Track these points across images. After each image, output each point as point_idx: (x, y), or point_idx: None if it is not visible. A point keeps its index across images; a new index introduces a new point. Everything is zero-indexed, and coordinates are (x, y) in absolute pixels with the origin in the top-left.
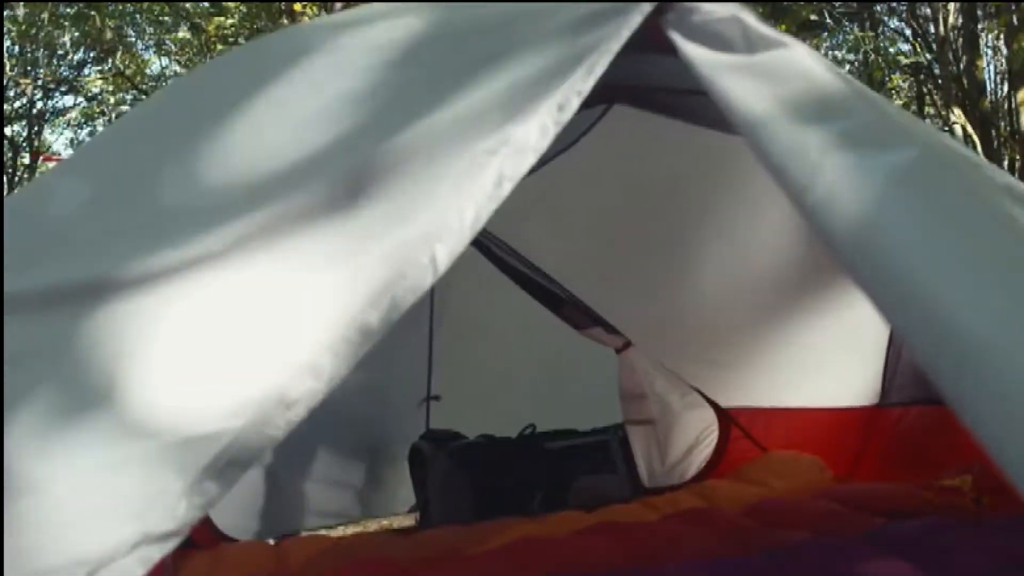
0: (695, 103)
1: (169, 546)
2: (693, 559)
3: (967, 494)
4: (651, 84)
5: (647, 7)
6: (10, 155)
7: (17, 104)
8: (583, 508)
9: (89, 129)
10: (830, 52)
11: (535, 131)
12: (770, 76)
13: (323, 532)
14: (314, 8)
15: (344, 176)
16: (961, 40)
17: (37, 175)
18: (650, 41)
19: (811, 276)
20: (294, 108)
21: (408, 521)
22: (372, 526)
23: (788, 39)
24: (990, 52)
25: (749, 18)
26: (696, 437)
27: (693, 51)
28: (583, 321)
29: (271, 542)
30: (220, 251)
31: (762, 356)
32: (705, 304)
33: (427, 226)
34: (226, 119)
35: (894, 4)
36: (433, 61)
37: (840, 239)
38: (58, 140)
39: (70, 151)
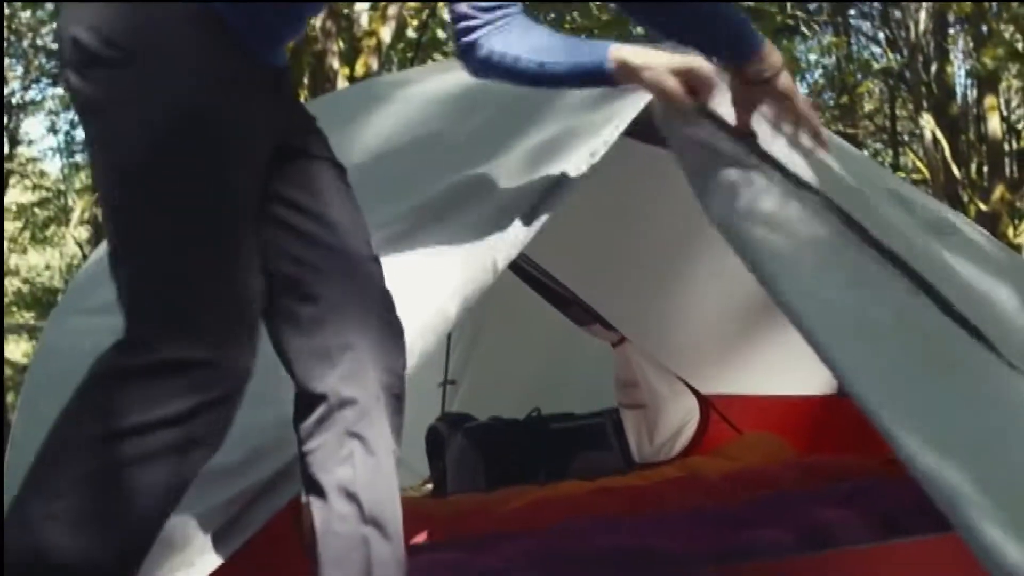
0: None
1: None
2: (681, 511)
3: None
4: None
5: None
6: None
7: None
8: (583, 479)
9: (70, 115)
10: (803, 56)
11: (572, 172)
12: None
13: None
14: None
15: (431, 201)
16: (932, 46)
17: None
18: None
19: None
20: (390, 143)
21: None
22: None
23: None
24: (961, 57)
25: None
26: (681, 420)
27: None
28: (584, 319)
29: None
30: None
31: (739, 350)
32: (691, 305)
33: (490, 242)
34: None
35: (866, 9)
36: (494, 114)
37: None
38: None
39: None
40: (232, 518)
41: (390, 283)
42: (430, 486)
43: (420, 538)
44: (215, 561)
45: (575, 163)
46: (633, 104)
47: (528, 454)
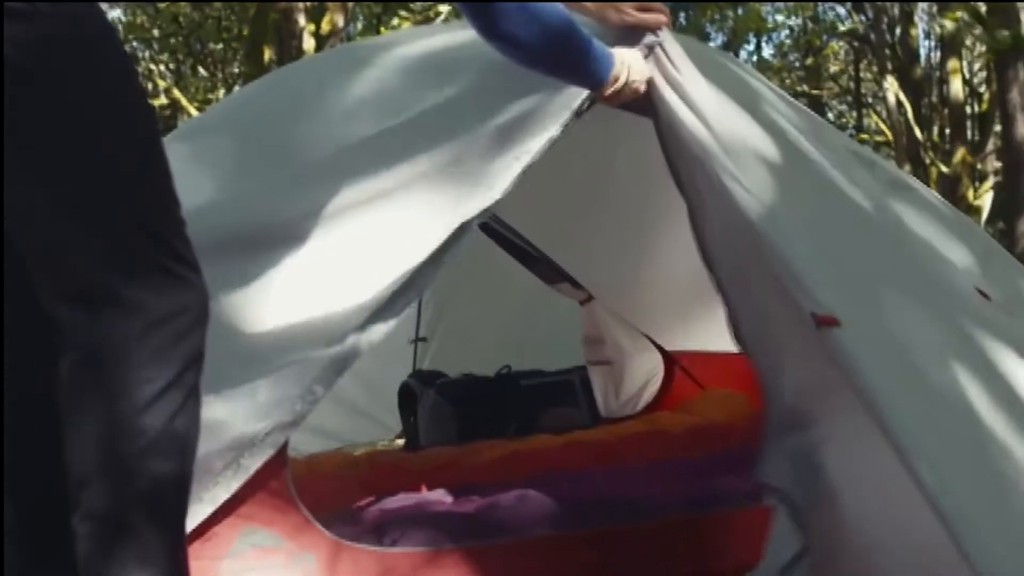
0: None
1: (290, 433)
2: (645, 462)
3: None
4: None
5: None
6: None
7: None
8: (552, 434)
9: None
10: (770, 16)
11: (546, 143)
12: None
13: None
14: None
15: (414, 168)
16: (897, 8)
17: None
18: None
19: None
20: (371, 108)
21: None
22: (361, 449)
23: None
24: (925, 20)
25: None
26: (645, 376)
27: None
28: (553, 277)
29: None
30: (322, 217)
31: (704, 307)
32: (657, 263)
33: (470, 205)
34: (320, 110)
35: None
36: (477, 83)
37: None
38: None
39: None
40: (228, 463)
41: (365, 244)
42: (402, 441)
43: (395, 490)
44: (220, 497)
45: (549, 134)
46: None
47: (498, 409)
